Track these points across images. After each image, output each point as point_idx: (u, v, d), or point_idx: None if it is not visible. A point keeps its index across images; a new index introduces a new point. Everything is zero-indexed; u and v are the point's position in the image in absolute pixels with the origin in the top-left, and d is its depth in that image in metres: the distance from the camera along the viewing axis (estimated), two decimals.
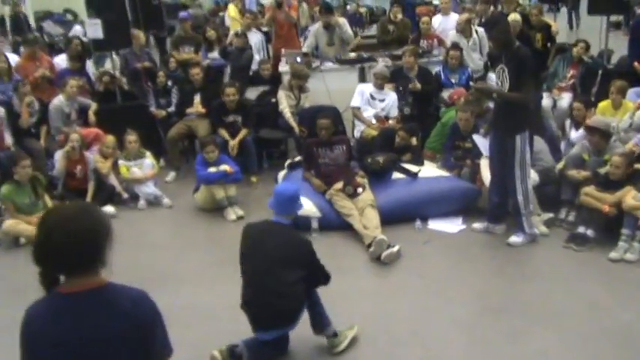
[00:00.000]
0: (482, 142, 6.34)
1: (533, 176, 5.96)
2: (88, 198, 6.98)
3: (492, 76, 6.90)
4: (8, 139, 7.42)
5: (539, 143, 6.39)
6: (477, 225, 6.16)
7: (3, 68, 7.96)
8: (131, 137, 7.29)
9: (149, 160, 7.39)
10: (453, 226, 6.24)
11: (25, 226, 6.15)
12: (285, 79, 8.25)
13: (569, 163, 6.30)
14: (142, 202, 7.09)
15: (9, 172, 6.29)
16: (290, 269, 3.96)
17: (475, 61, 8.51)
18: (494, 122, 5.87)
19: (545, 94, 8.03)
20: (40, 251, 1.92)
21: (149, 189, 7.18)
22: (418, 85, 7.88)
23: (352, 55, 8.97)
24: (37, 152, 7.38)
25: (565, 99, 7.85)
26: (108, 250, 1.98)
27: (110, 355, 1.91)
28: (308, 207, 6.13)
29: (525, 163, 5.57)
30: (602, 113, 6.92)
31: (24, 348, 1.96)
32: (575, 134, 6.87)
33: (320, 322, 4.20)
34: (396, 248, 5.53)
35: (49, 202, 6.52)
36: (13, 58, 8.63)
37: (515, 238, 5.78)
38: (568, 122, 7.25)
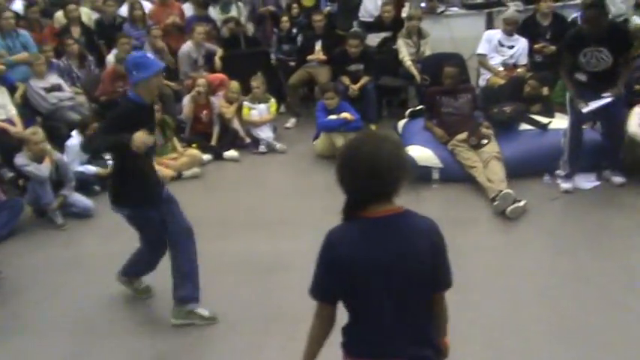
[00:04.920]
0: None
1: None
2: (213, 142, 7.21)
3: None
4: None
5: None
6: (616, 179, 5.72)
7: (138, 15, 8.27)
8: (255, 82, 7.38)
9: (268, 104, 7.44)
10: (585, 182, 5.85)
11: (158, 168, 6.41)
12: (405, 26, 7.99)
13: None
14: (262, 146, 7.23)
15: None
16: None
17: (617, 4, 7.79)
18: None
19: None
20: (358, 177, 2.03)
21: (264, 133, 7.27)
22: (552, 47, 7.23)
23: None
24: (166, 97, 7.64)
25: None
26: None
27: (416, 269, 2.06)
28: (429, 157, 6.00)
29: None
30: None
31: (329, 270, 2.09)
32: None
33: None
34: (522, 203, 5.28)
35: (178, 145, 6.77)
36: (147, 6, 8.90)
37: None
38: None
